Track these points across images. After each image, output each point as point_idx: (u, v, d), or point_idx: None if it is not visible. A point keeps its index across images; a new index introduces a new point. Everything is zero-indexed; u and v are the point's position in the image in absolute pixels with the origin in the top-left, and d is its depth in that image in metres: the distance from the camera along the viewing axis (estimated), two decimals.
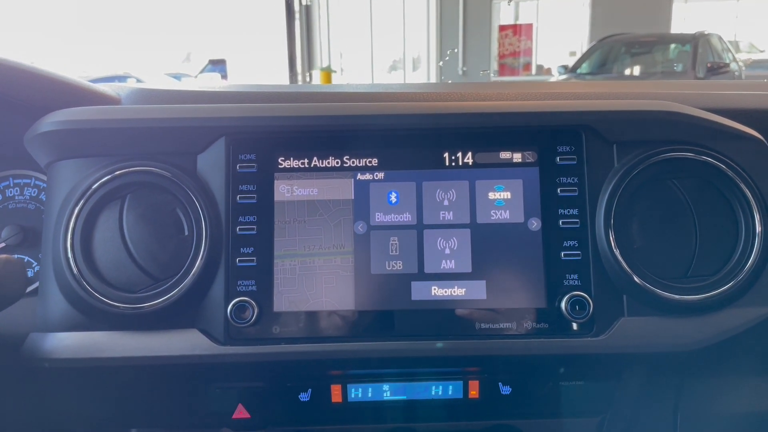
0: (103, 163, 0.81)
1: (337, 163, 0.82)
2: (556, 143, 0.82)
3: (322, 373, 0.88)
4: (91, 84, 0.93)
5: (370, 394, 0.88)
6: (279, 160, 0.82)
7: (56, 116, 0.81)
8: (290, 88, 1.03)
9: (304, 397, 0.88)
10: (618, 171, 0.81)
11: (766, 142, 0.84)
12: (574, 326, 0.79)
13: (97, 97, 0.91)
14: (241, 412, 0.89)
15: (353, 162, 0.82)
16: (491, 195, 0.82)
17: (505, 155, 0.83)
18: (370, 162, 0.82)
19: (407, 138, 0.82)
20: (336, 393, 0.88)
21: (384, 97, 0.97)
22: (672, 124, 0.82)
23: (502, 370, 0.88)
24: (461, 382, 0.88)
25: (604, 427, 0.91)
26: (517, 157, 0.82)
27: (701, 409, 0.94)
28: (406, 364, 0.84)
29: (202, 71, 15.88)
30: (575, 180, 0.82)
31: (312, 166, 0.82)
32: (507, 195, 0.82)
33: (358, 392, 0.88)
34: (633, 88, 1.04)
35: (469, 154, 0.82)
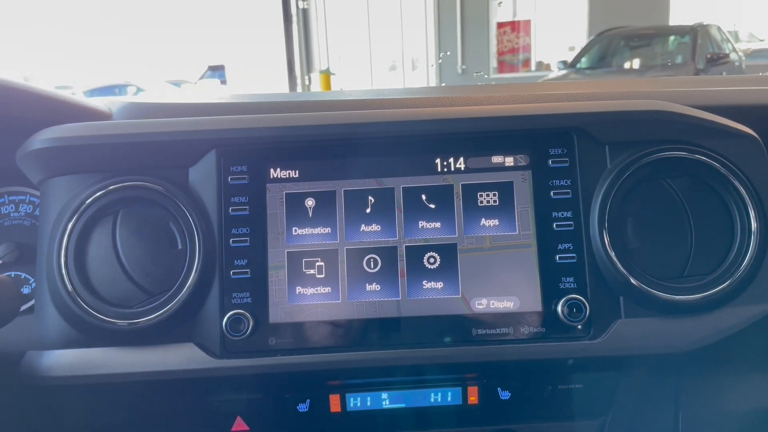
0: (95, 179, 0.81)
1: (329, 172, 0.82)
2: (547, 146, 0.82)
3: (320, 384, 0.87)
4: (82, 99, 0.93)
5: (369, 403, 0.88)
6: (270, 171, 0.82)
7: (47, 133, 0.81)
8: (280, 98, 1.03)
9: (302, 407, 0.88)
10: (611, 172, 0.81)
11: (758, 138, 0.83)
12: (572, 329, 0.79)
13: (89, 112, 0.91)
14: (239, 425, 0.89)
15: (344, 171, 0.82)
16: (484, 199, 0.81)
17: (496, 159, 0.82)
18: (361, 170, 0.82)
19: (398, 145, 0.82)
20: (335, 403, 0.88)
21: (375, 104, 0.96)
22: (664, 123, 0.82)
23: (501, 375, 0.88)
24: (460, 388, 0.87)
25: (605, 429, 0.91)
26: (509, 160, 0.82)
27: (702, 408, 0.93)
28: (404, 372, 0.84)
29: (201, 77, 15.92)
30: (568, 182, 0.81)
31: (303, 175, 0.82)
32: (499, 199, 0.81)
33: (356, 401, 0.88)
34: (626, 87, 1.03)
35: (461, 160, 0.82)
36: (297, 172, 0.82)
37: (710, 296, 0.78)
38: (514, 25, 14.23)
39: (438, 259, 0.80)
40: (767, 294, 0.80)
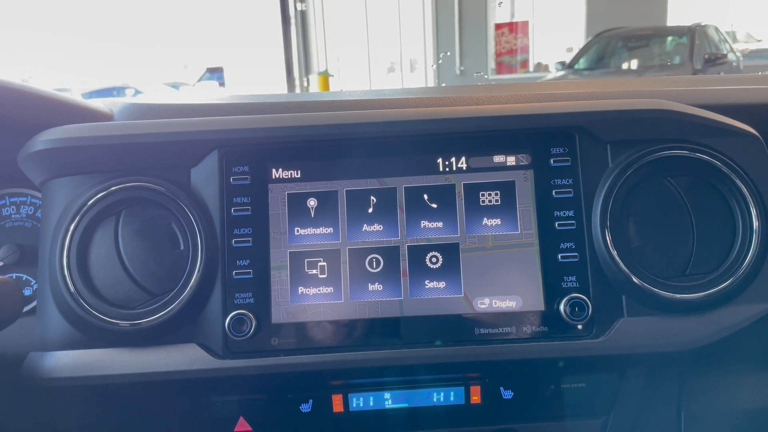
0: (97, 180, 0.81)
1: (331, 172, 0.82)
2: (549, 145, 0.82)
3: (323, 384, 0.87)
4: (83, 101, 0.93)
5: (371, 403, 0.88)
6: (272, 171, 0.82)
7: (49, 135, 0.81)
8: (281, 98, 1.02)
9: (305, 408, 0.88)
10: (613, 171, 0.81)
11: (760, 137, 0.83)
12: (574, 328, 0.79)
13: (90, 113, 0.91)
14: (242, 425, 0.89)
15: (346, 171, 0.82)
16: (486, 199, 0.81)
17: (498, 159, 0.82)
18: (363, 170, 0.82)
19: (400, 145, 0.82)
20: (337, 403, 0.87)
21: (375, 104, 0.96)
22: (665, 122, 0.82)
23: (504, 375, 0.88)
24: (462, 387, 0.87)
25: (608, 427, 0.91)
26: (511, 160, 0.82)
27: (705, 407, 0.93)
28: (406, 371, 0.84)
29: (199, 79, 15.93)
30: (570, 181, 0.81)
31: (305, 175, 0.82)
32: (501, 198, 0.81)
33: (359, 401, 0.88)
34: (626, 87, 1.03)
35: (463, 159, 0.82)
36: (299, 172, 0.82)
37: (712, 294, 0.78)
38: (512, 27, 14.25)
39: (440, 259, 0.80)
40: None
